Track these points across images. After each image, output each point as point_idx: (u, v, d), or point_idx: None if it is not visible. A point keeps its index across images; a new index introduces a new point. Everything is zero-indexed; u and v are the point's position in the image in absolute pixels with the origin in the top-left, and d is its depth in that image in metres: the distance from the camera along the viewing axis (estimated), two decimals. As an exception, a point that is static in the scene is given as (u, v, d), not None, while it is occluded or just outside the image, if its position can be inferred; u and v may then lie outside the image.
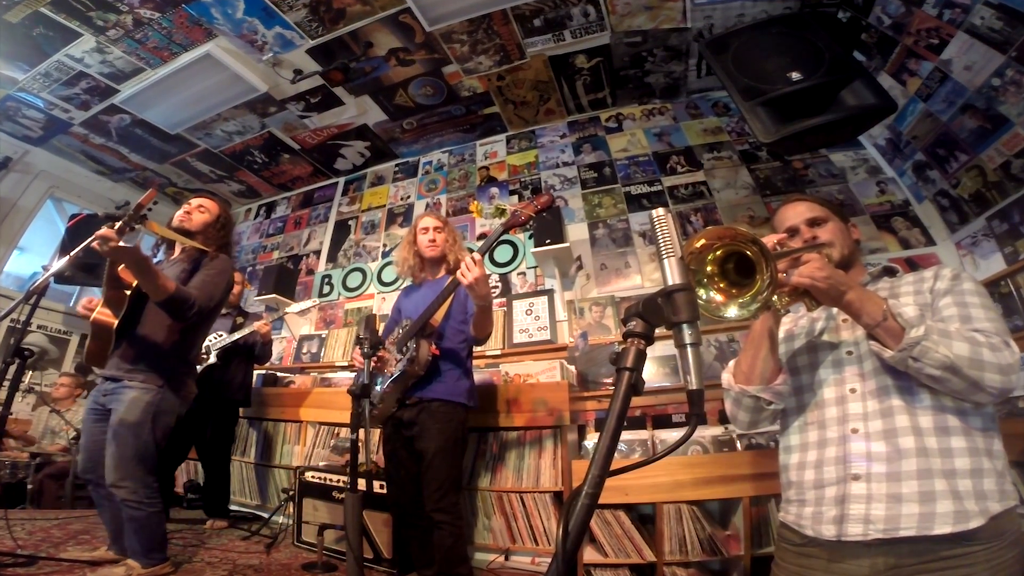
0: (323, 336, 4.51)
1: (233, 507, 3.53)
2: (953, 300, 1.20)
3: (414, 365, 2.25)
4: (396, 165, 5.40)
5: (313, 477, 2.93)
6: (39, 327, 4.89)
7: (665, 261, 0.75)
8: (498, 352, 3.68)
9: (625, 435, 2.81)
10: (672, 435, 2.80)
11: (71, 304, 5.16)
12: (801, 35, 2.77)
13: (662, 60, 4.07)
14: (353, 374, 3.00)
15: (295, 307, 3.90)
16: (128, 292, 2.20)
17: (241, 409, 3.72)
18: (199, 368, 3.33)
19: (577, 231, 4.06)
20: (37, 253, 5.23)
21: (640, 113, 4.57)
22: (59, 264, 2.16)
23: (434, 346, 2.31)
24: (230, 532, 3.17)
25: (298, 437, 3.69)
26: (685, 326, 0.71)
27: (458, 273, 2.09)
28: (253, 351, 3.69)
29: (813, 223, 1.42)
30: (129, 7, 3.44)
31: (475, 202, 4.62)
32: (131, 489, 2.02)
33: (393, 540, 2.58)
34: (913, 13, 2.83)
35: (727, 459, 2.51)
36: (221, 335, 3.49)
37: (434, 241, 2.56)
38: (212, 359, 3.41)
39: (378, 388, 2.32)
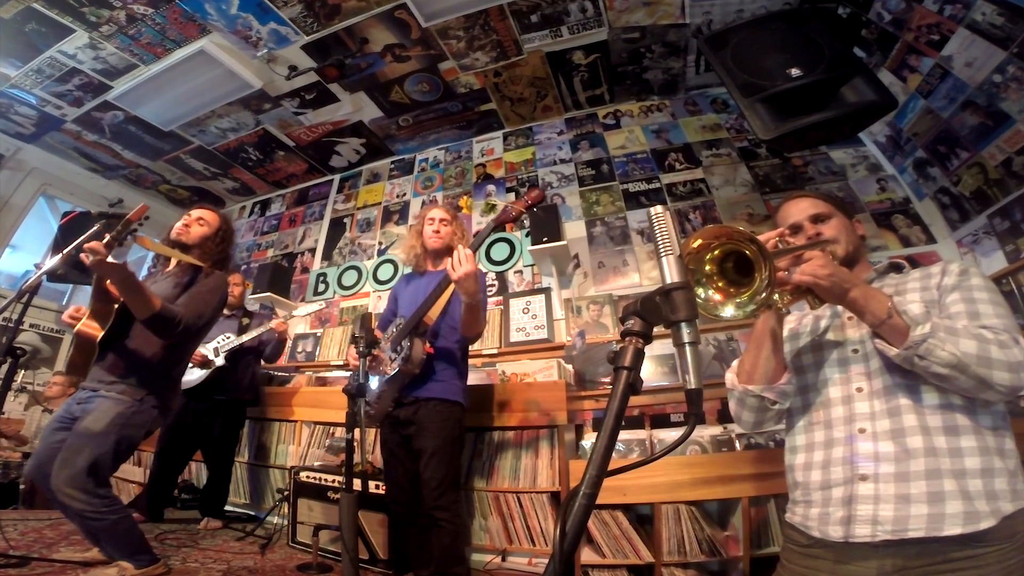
0: (318, 335, 4.48)
1: (227, 507, 3.50)
2: (961, 296, 1.18)
3: (409, 364, 2.22)
4: (392, 162, 5.37)
5: (308, 477, 2.90)
6: (31, 326, 4.86)
7: (663, 259, 0.75)
8: (495, 351, 3.66)
9: (623, 435, 2.78)
10: (670, 435, 2.78)
11: (64, 302, 5.14)
12: (801, 31, 2.76)
13: (660, 56, 4.05)
14: (348, 373, 2.98)
15: (303, 309, 3.87)
16: (116, 306, 2.16)
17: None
18: (208, 371, 3.37)
19: (574, 229, 4.04)
20: (29, 251, 5.17)
21: (638, 110, 4.55)
22: (51, 262, 2.12)
23: (428, 344, 2.28)
24: (225, 532, 3.15)
25: (293, 437, 3.66)
26: (683, 324, 0.71)
27: (448, 265, 2.06)
28: (261, 350, 3.68)
29: (817, 219, 1.39)
30: (122, 3, 3.41)
31: (465, 197, 4.61)
32: (84, 501, 1.93)
33: (389, 540, 2.56)
34: (914, 9, 2.81)
35: (726, 459, 2.48)
36: (229, 337, 3.49)
37: (438, 232, 2.54)
38: (220, 361, 3.40)
39: (374, 387, 2.30)
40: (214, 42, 3.76)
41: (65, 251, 2.03)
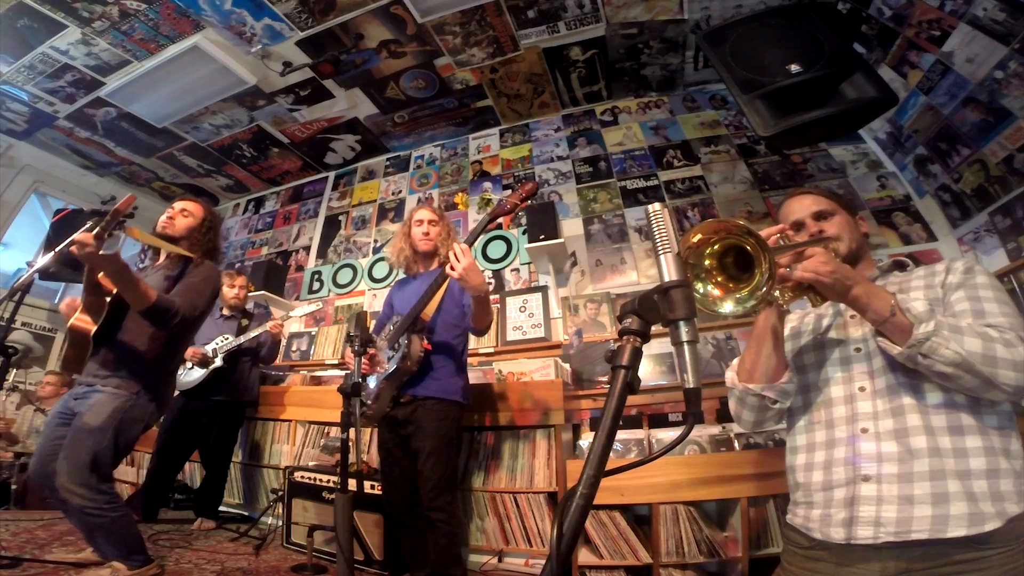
0: (313, 334, 4.45)
1: (221, 508, 3.48)
2: (965, 294, 1.17)
3: (406, 361, 2.20)
4: (387, 159, 5.34)
5: (303, 477, 2.89)
6: (23, 324, 4.83)
7: (661, 257, 0.75)
8: (491, 350, 3.63)
9: (621, 434, 2.78)
10: (669, 434, 2.77)
11: (56, 301, 5.10)
12: (800, 26, 2.73)
13: (658, 52, 4.03)
14: (344, 372, 2.95)
15: (299, 310, 3.85)
16: (108, 299, 2.14)
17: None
18: (207, 371, 3.37)
19: (572, 226, 4.02)
20: (21, 249, 5.13)
21: (636, 106, 4.52)
22: (44, 260, 2.09)
23: (426, 341, 2.26)
24: (218, 533, 3.14)
25: (287, 436, 3.65)
26: (682, 323, 0.70)
27: (447, 267, 2.04)
28: (259, 352, 3.66)
29: (820, 216, 1.38)
30: (115, -2, 3.37)
31: (461, 194, 4.59)
32: (86, 497, 1.93)
33: (385, 541, 2.54)
34: (914, 4, 2.80)
35: (725, 459, 2.47)
36: (227, 338, 3.48)
37: (427, 235, 2.51)
38: (219, 362, 3.40)
39: (371, 386, 2.28)
40: (208, 38, 3.74)
41: (57, 249, 2.00)
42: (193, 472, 3.90)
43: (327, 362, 4.16)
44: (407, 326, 2.25)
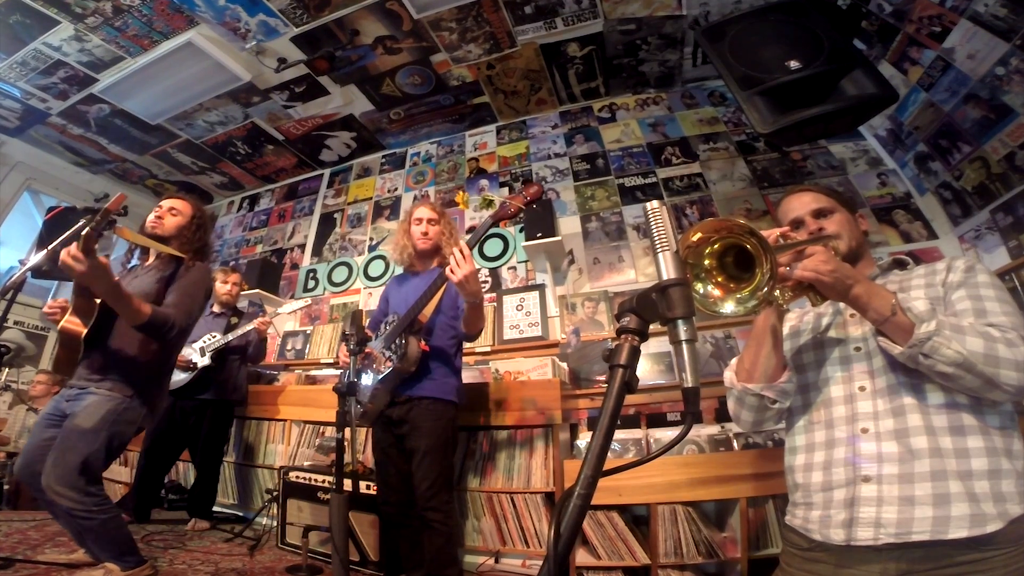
0: (308, 332, 4.42)
1: (215, 508, 3.46)
2: (967, 293, 1.16)
3: (404, 362, 2.19)
4: (383, 156, 5.32)
5: (297, 477, 2.87)
6: (16, 323, 4.79)
7: (660, 255, 0.74)
8: (488, 349, 3.61)
9: (618, 434, 2.78)
10: (667, 434, 2.77)
11: (48, 299, 5.05)
12: (800, 22, 2.70)
13: (657, 48, 4.01)
14: (339, 371, 2.93)
15: (287, 307, 3.82)
16: (98, 301, 2.11)
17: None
18: (195, 371, 3.33)
19: (569, 224, 4.00)
20: (14, 247, 5.09)
21: (634, 103, 4.50)
22: (36, 258, 2.07)
23: (423, 342, 2.24)
24: (212, 534, 3.11)
25: (282, 436, 3.62)
26: (680, 322, 0.70)
27: (447, 270, 2.02)
28: (247, 350, 3.63)
29: (819, 214, 1.37)
30: (109, -7, 3.35)
31: (461, 193, 4.55)
32: (74, 500, 1.90)
33: (380, 542, 2.53)
34: (915, 0, 2.77)
35: (723, 459, 2.46)
36: (215, 336, 3.44)
37: (427, 234, 2.49)
38: (207, 360, 3.36)
39: (368, 386, 2.27)
40: (202, 34, 3.71)
41: (50, 247, 1.97)
42: (187, 472, 3.87)
43: (322, 361, 4.13)
44: (404, 326, 2.23)
